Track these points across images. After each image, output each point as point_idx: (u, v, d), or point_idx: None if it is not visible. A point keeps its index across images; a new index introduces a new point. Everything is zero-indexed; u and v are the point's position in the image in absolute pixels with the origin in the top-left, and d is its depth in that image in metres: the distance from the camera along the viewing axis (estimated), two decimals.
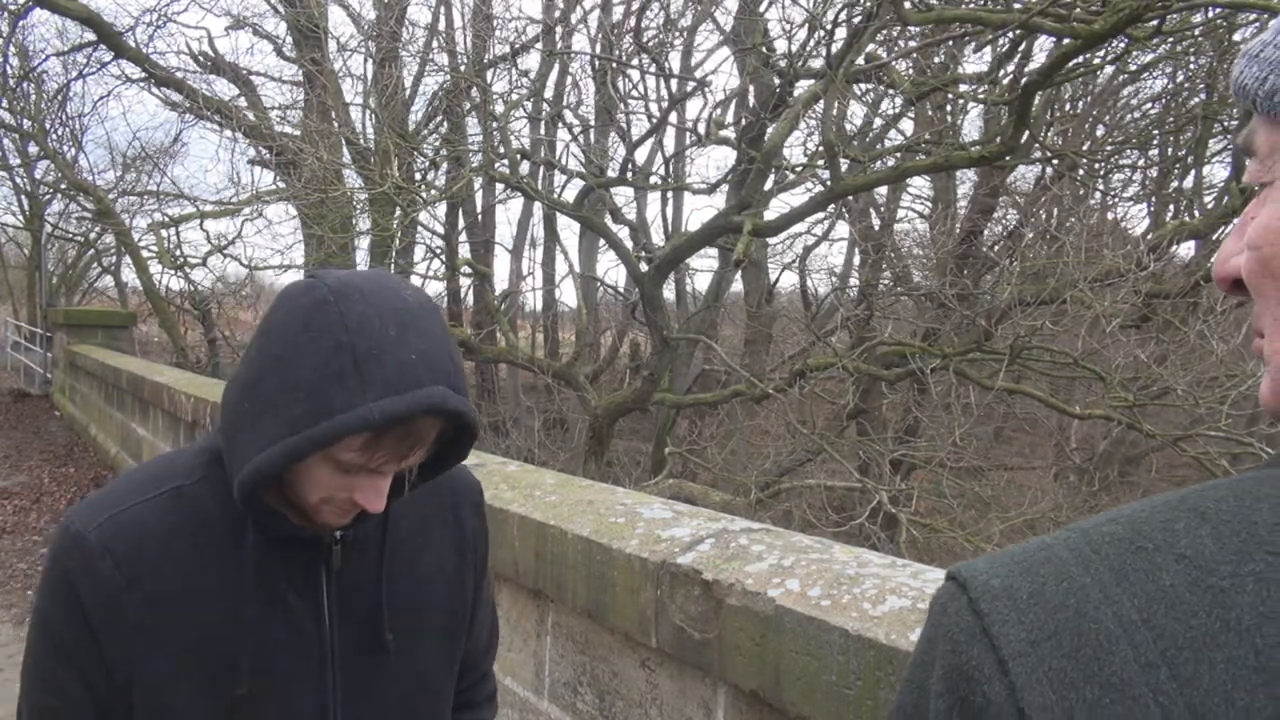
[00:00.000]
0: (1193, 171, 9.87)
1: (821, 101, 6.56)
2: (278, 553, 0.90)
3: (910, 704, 0.45)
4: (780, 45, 8.28)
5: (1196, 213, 9.08)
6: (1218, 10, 5.47)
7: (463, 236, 14.23)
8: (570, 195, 10.61)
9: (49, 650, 0.87)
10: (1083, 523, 0.45)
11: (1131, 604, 0.39)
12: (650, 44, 8.89)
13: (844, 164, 6.83)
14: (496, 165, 9.07)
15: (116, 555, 0.84)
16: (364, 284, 0.83)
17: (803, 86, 7.54)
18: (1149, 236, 7.78)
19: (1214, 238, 7.27)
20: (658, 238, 12.92)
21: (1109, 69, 7.87)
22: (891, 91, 8.07)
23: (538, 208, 14.86)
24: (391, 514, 0.97)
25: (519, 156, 9.26)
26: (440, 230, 11.63)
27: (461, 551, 1.08)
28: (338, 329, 0.79)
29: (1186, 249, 8.41)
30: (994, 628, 0.41)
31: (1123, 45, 5.62)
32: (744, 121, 8.68)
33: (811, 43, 7.22)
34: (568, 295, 16.02)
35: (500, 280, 15.26)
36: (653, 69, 8.85)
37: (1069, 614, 0.40)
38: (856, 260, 12.86)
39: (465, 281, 12.55)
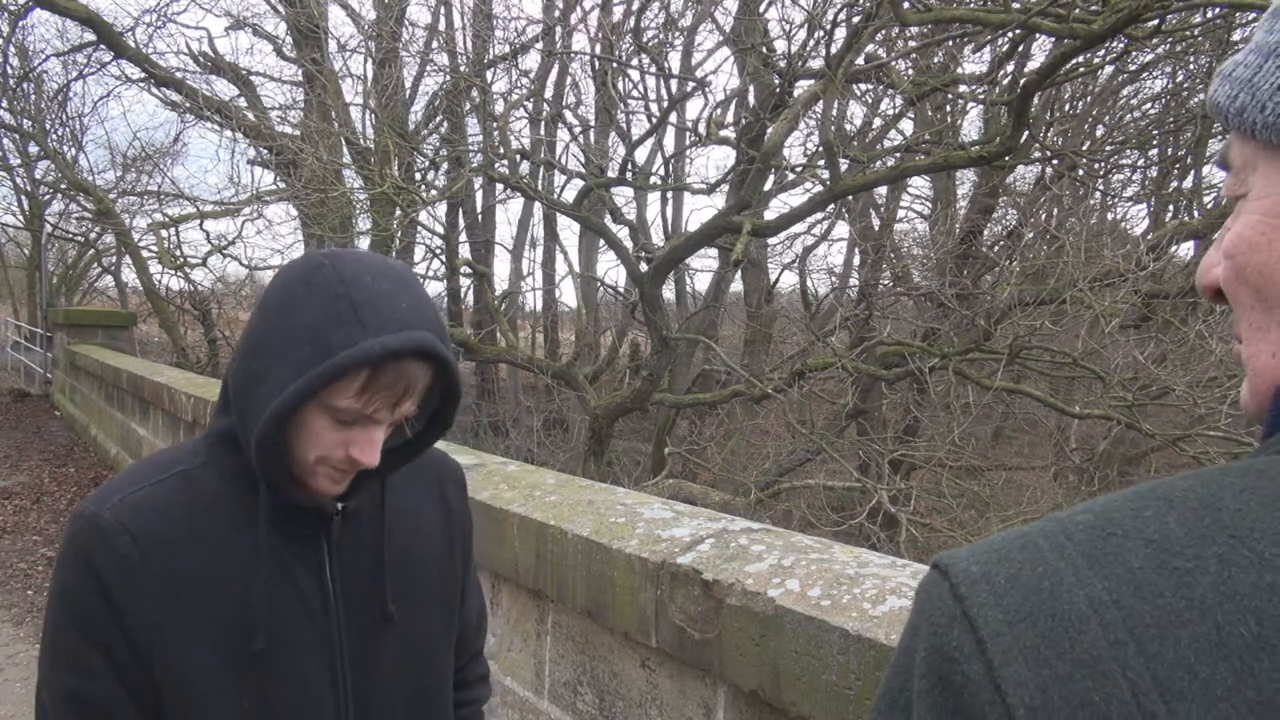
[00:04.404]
0: (1192, 171, 9.86)
1: (821, 101, 6.56)
2: (283, 524, 0.95)
3: (896, 688, 0.47)
4: (780, 45, 8.28)
5: (1196, 213, 9.07)
6: (1217, 10, 5.47)
7: (463, 236, 14.24)
8: (570, 195, 10.61)
9: (70, 629, 0.89)
10: (1059, 513, 0.47)
11: (1102, 586, 0.41)
12: (650, 44, 8.89)
13: (843, 164, 6.83)
14: (496, 165, 9.07)
15: (132, 532, 0.88)
16: (356, 252, 0.93)
17: (802, 86, 7.54)
18: (1149, 236, 7.78)
19: (1213, 237, 7.25)
20: (658, 238, 12.93)
21: (1109, 69, 7.87)
22: (891, 91, 8.07)
23: (538, 208, 14.86)
24: (386, 487, 1.03)
25: (519, 156, 9.26)
26: (440, 230, 11.62)
27: (449, 528, 1.13)
28: (334, 283, 0.87)
29: (1186, 249, 8.41)
30: (973, 610, 0.43)
31: (1122, 45, 5.62)
32: (744, 121, 8.68)
33: (811, 43, 7.22)
34: (568, 295, 16.05)
35: (500, 280, 15.27)
36: (652, 69, 8.85)
37: (1043, 596, 0.42)
38: (856, 260, 12.86)
39: (465, 281, 12.56)
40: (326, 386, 0.85)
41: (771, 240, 11.01)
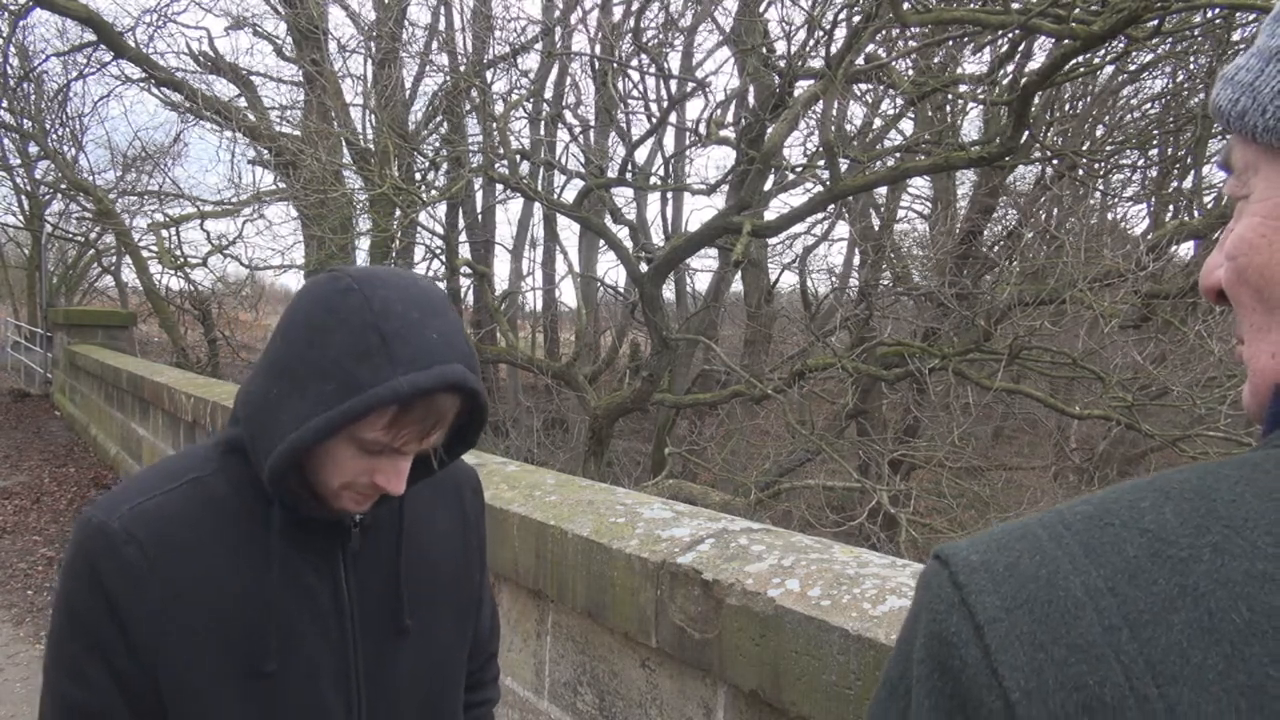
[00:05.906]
0: (1192, 171, 9.85)
1: (821, 102, 6.56)
2: (297, 536, 0.93)
3: (896, 675, 0.48)
4: (780, 45, 8.28)
5: (1196, 213, 9.07)
6: (1217, 10, 5.47)
7: (463, 236, 14.23)
8: (570, 195, 10.61)
9: (72, 638, 0.88)
10: (1059, 505, 0.48)
11: (1098, 574, 0.42)
12: (650, 44, 8.89)
13: (843, 164, 6.83)
14: (496, 165, 9.06)
15: (140, 541, 0.86)
16: (384, 274, 0.89)
17: (802, 87, 7.54)
18: (1149, 236, 7.78)
19: (1214, 237, 7.26)
20: (658, 238, 12.92)
21: (1109, 69, 7.87)
22: (891, 92, 8.07)
23: (538, 208, 14.84)
24: (405, 498, 1.00)
25: (519, 157, 9.25)
26: (440, 230, 11.62)
27: (466, 534, 1.12)
28: (364, 311, 0.83)
29: (1186, 249, 8.41)
30: (971, 597, 0.44)
31: (1122, 45, 5.61)
32: (744, 122, 8.68)
33: (811, 43, 7.22)
34: (568, 295, 16.04)
35: (500, 280, 15.27)
36: (652, 69, 8.85)
37: (1041, 584, 0.43)
38: (856, 260, 12.85)
39: (465, 281, 12.54)
40: (353, 423, 0.83)
41: (771, 240, 11.00)
